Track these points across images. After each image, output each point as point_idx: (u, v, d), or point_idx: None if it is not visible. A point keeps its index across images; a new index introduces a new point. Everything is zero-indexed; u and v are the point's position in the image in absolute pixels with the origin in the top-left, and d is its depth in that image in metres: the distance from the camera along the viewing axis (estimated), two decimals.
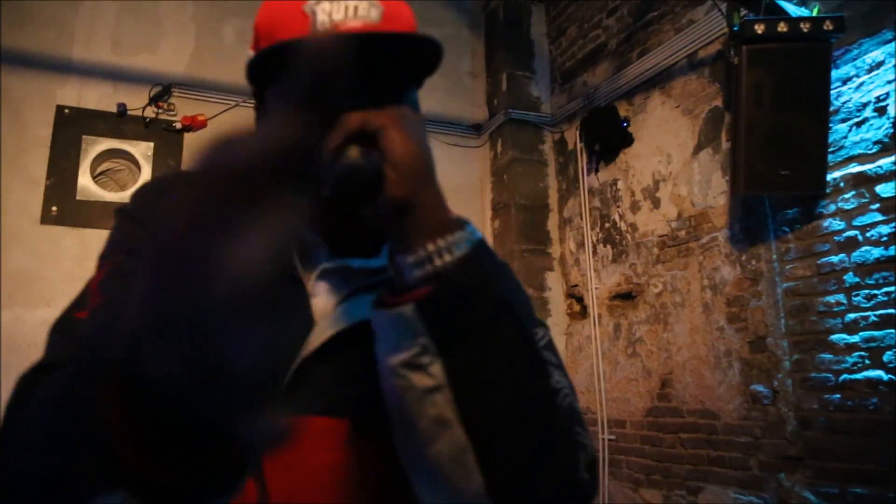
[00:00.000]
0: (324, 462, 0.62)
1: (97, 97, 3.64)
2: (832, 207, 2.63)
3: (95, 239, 3.48)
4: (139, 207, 0.73)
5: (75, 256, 3.41)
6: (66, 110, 3.56)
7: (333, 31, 0.64)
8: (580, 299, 4.12)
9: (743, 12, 2.76)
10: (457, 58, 4.61)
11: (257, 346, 0.32)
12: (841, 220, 2.60)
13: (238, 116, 3.89)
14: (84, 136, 3.56)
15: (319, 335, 0.65)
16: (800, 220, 2.77)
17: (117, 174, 3.69)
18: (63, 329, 0.65)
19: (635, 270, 3.70)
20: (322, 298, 0.68)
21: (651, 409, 3.49)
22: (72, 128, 3.55)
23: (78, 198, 3.49)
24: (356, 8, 0.66)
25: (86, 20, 3.69)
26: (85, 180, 3.53)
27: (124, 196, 3.59)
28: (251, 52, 0.71)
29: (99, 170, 3.61)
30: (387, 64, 0.65)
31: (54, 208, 3.43)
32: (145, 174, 3.65)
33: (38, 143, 3.47)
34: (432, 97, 4.40)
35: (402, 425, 0.57)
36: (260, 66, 0.65)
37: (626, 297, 3.74)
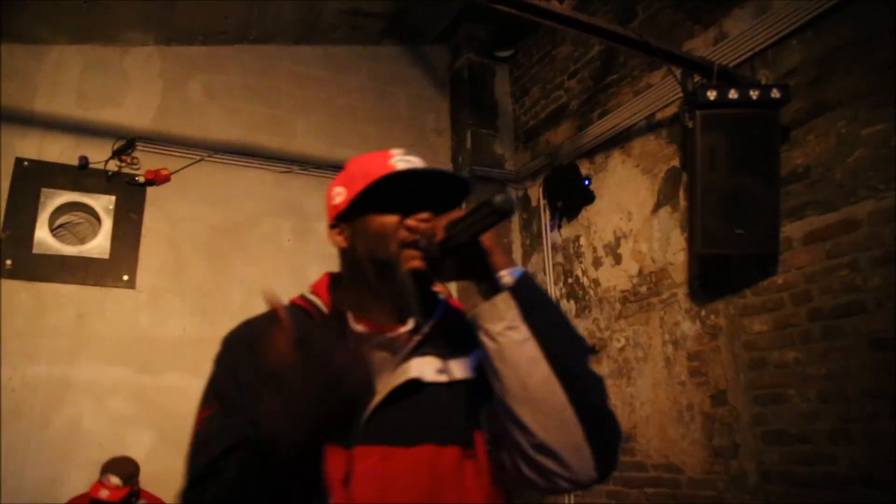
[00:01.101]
0: (385, 473, 0.94)
1: (59, 150, 3.60)
2: (786, 263, 2.73)
3: (51, 293, 3.39)
4: (233, 354, 1.06)
5: (29, 312, 3.31)
6: (26, 163, 3.51)
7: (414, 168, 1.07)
8: None
9: (697, 78, 2.90)
10: (422, 115, 4.70)
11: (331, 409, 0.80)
12: (794, 276, 2.70)
13: (202, 171, 3.88)
14: (43, 189, 3.51)
15: (381, 392, 0.97)
16: (756, 277, 2.86)
17: (77, 227, 3.62)
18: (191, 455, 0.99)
19: (598, 325, 3.75)
20: (377, 365, 0.99)
21: None
22: (31, 180, 3.50)
23: (34, 251, 3.42)
24: (418, 161, 1.10)
25: (50, 72, 3.68)
26: (42, 233, 3.46)
27: (82, 250, 3.53)
28: (342, 190, 1.10)
29: (58, 223, 3.54)
30: (444, 187, 1.08)
31: (9, 262, 3.34)
32: (106, 227, 3.60)
33: None
34: None
35: (505, 374, 0.92)
36: (361, 195, 1.04)
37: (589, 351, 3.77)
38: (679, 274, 3.25)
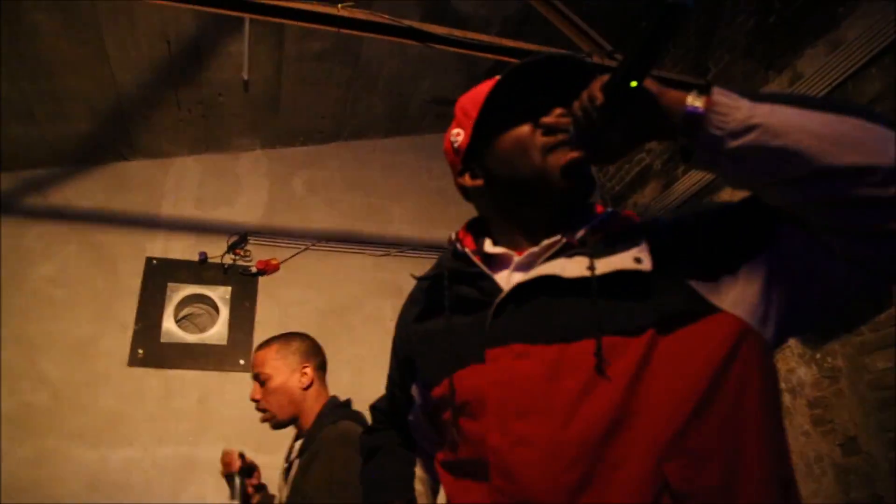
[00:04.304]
0: (519, 371, 0.87)
1: (182, 248, 3.96)
2: None
3: (177, 379, 3.65)
4: (399, 323, 1.18)
5: (159, 397, 3.56)
6: (154, 261, 3.88)
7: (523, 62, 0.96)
8: None
9: None
10: None
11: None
12: None
13: (307, 259, 4.15)
14: (169, 284, 3.85)
15: (503, 293, 0.92)
16: (870, 312, 2.73)
17: (197, 318, 3.92)
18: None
19: None
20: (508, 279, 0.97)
21: None
22: (159, 276, 3.85)
23: (162, 340, 3.71)
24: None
25: (174, 180, 4.12)
26: (169, 324, 3.76)
27: (203, 338, 3.80)
28: (458, 130, 1.02)
29: (181, 314, 3.85)
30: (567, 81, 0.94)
31: (140, 351, 3.64)
32: (223, 316, 3.87)
33: (129, 292, 3.76)
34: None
35: (792, 139, 0.74)
36: (480, 120, 0.97)
37: None
38: None
